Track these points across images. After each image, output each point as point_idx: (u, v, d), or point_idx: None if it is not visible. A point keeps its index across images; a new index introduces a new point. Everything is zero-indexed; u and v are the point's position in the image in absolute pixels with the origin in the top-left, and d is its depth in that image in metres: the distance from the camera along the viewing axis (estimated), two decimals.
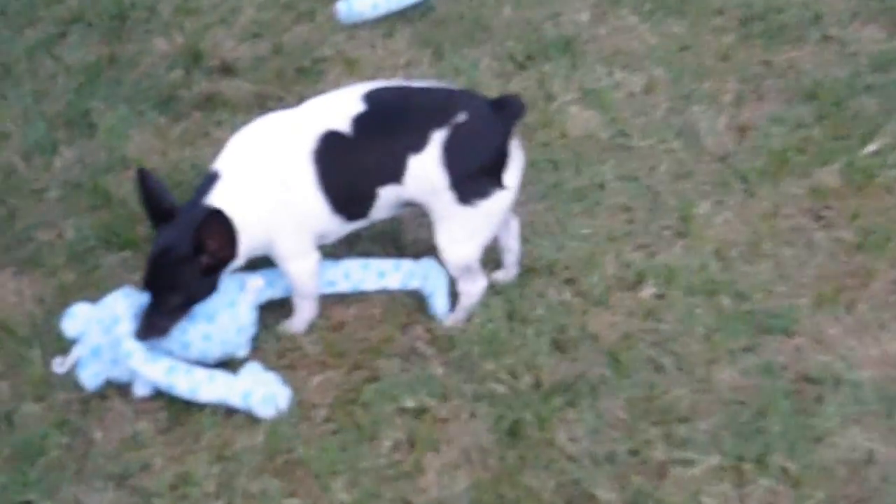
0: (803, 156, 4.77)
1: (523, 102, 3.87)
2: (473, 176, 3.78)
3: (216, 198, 3.69)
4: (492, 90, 5.08)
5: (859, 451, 3.72)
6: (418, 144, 3.73)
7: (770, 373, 3.96)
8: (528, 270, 4.32)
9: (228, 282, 3.91)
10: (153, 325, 3.75)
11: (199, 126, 5.04)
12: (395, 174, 3.79)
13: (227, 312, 3.89)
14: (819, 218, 4.56)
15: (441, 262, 4.10)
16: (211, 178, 3.77)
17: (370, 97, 3.81)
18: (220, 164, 3.82)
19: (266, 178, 3.78)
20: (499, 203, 3.84)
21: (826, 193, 4.62)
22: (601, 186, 4.71)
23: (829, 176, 4.69)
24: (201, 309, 3.84)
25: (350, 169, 3.80)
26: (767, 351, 4.05)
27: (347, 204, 3.89)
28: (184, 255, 3.66)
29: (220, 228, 3.62)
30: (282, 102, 5.12)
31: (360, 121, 3.76)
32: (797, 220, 4.53)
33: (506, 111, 3.81)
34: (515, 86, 5.18)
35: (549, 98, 5.12)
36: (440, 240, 3.92)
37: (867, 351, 4.04)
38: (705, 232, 4.50)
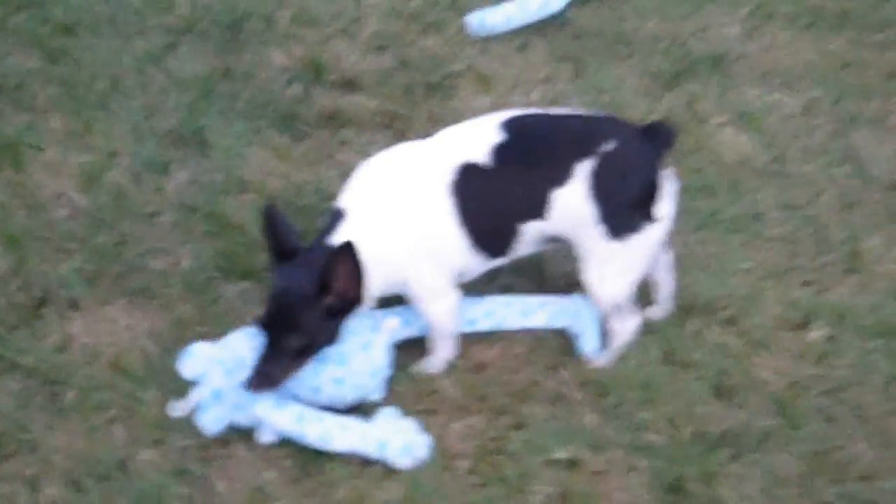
0: None
1: (675, 129, 3.73)
2: (624, 209, 3.64)
3: (343, 237, 3.53)
4: (638, 111, 4.94)
5: None
6: (562, 176, 3.60)
7: None
8: (684, 308, 4.14)
9: (362, 322, 3.76)
10: (266, 375, 3.57)
11: (322, 146, 4.92)
12: (537, 209, 3.66)
13: (362, 355, 3.75)
14: None
15: (589, 299, 3.93)
16: (336, 216, 3.65)
17: (510, 126, 3.69)
18: (346, 199, 3.69)
19: (400, 213, 3.66)
20: (651, 237, 3.71)
21: None
22: (760, 217, 4.53)
23: None
24: (333, 352, 3.69)
25: (490, 204, 3.67)
26: None
27: (488, 240, 3.74)
28: (308, 295, 3.52)
29: (348, 266, 3.47)
30: (410, 122, 4.98)
31: (499, 152, 3.63)
32: None
33: (656, 139, 3.67)
34: (663, 106, 5.02)
35: (700, 120, 4.94)
36: (588, 277, 3.78)
37: None
38: (877, 268, 4.31)
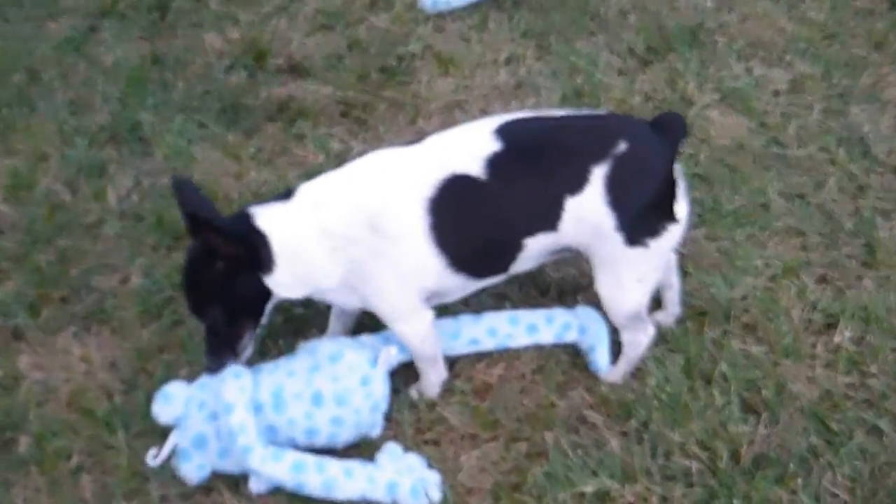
0: None
1: (683, 120, 3.48)
2: (643, 213, 3.36)
3: (268, 214, 3.34)
4: (617, 91, 4.69)
5: None
6: (576, 184, 3.32)
7: None
8: (698, 314, 3.89)
9: (359, 355, 3.53)
10: (220, 352, 3.42)
11: (276, 141, 4.56)
12: (548, 221, 3.37)
13: (361, 391, 3.50)
14: None
15: (598, 311, 3.72)
16: (281, 195, 3.42)
17: (506, 132, 3.38)
18: (306, 185, 3.42)
19: (353, 219, 3.33)
20: (671, 239, 3.46)
21: None
22: (765, 207, 4.27)
23: None
24: (329, 390, 3.44)
25: (485, 219, 3.39)
26: None
27: (477, 260, 3.46)
28: (202, 264, 3.32)
29: (213, 230, 3.23)
30: (369, 109, 4.61)
31: (496, 162, 3.33)
32: None
33: (667, 132, 3.40)
34: (643, 86, 4.74)
35: (686, 101, 4.67)
36: (605, 288, 3.51)
37: None
38: (895, 260, 4.03)
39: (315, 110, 4.71)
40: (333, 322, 3.87)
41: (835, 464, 3.50)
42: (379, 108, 4.70)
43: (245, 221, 3.31)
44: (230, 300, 3.37)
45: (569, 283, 3.96)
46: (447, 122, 4.65)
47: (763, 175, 4.39)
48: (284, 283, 3.35)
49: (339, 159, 4.48)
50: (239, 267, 3.32)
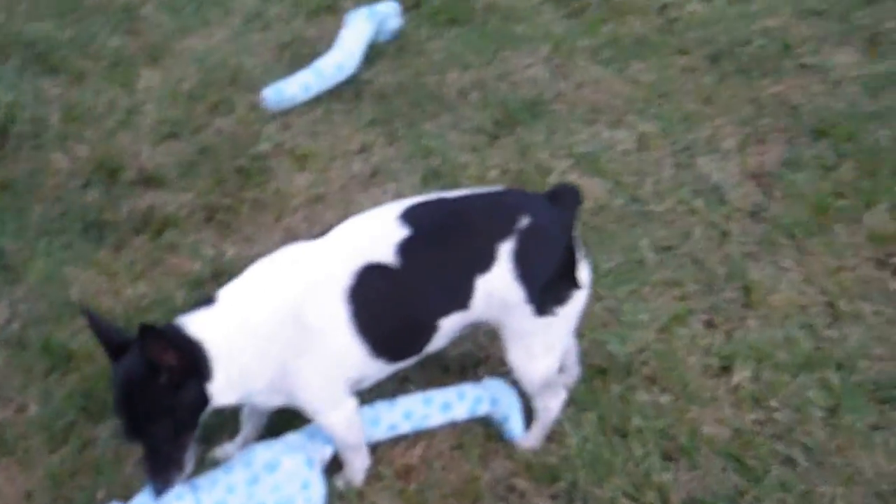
0: (844, 200, 4.62)
1: (578, 189, 3.60)
2: (549, 282, 3.46)
3: (198, 322, 3.26)
4: (474, 169, 4.83)
5: None
6: (485, 262, 3.39)
7: None
8: (599, 372, 4.00)
9: (294, 460, 3.52)
10: (166, 469, 3.28)
11: (146, 253, 4.50)
12: (460, 300, 3.43)
13: (302, 496, 3.50)
14: (887, 265, 4.43)
15: (505, 381, 3.83)
16: (203, 302, 3.35)
17: (412, 217, 3.43)
18: (224, 290, 3.37)
19: (278, 317, 3.31)
20: (577, 305, 3.56)
21: (885, 238, 4.47)
22: (640, 263, 4.43)
23: (880, 218, 4.53)
24: (271, 502, 3.44)
25: (402, 305, 3.41)
26: None
27: (395, 345, 3.49)
28: (143, 380, 3.19)
29: (160, 342, 3.14)
30: (233, 212, 4.61)
31: (406, 247, 3.37)
32: (865, 272, 4.38)
33: (564, 203, 3.53)
34: (497, 158, 4.87)
35: (542, 170, 4.79)
36: (516, 358, 3.60)
37: None
38: (773, 298, 4.29)
39: (179, 218, 4.67)
40: (246, 425, 3.81)
41: (760, 497, 3.60)
42: (242, 209, 4.69)
43: (178, 332, 3.23)
44: (176, 413, 3.27)
45: (469, 358, 4.01)
46: (312, 217, 4.68)
47: (630, 232, 4.55)
48: (222, 388, 3.29)
49: (215, 263, 4.45)
50: (184, 377, 3.24)
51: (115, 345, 3.25)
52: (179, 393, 3.22)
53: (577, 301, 3.53)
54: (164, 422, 3.23)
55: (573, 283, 3.49)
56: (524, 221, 3.38)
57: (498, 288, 3.39)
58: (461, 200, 3.52)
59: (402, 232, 3.37)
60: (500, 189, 3.70)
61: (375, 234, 3.41)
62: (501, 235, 3.37)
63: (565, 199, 3.53)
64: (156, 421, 3.22)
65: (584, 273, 3.54)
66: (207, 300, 3.35)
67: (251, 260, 3.44)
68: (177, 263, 4.40)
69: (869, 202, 4.63)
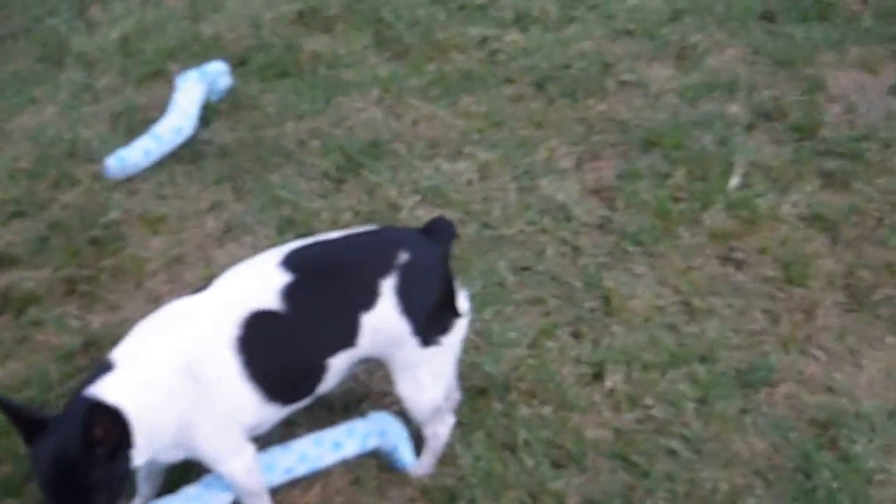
0: (682, 204, 4.87)
1: (451, 222, 3.77)
2: (432, 313, 3.59)
3: (108, 389, 3.26)
4: (325, 214, 4.93)
5: None
6: (369, 299, 3.50)
7: (782, 427, 3.99)
8: (479, 393, 4.15)
9: None
10: None
11: (12, 332, 4.47)
12: (347, 339, 3.54)
13: None
14: (730, 260, 4.67)
15: (390, 412, 3.96)
16: (102, 368, 3.34)
17: (293, 262, 3.52)
18: (117, 352, 3.38)
19: (174, 372, 3.37)
20: (460, 332, 3.71)
21: (725, 234, 4.72)
22: (501, 285, 4.59)
23: (717, 217, 4.79)
24: None
25: (287, 349, 3.50)
26: (764, 406, 4.08)
27: (287, 388, 3.58)
28: (80, 454, 3.17)
29: (107, 417, 3.18)
30: (94, 282, 4.63)
31: (290, 292, 3.46)
32: (712, 269, 4.63)
33: (439, 236, 3.68)
34: (347, 201, 4.99)
35: (393, 207, 4.93)
36: (405, 389, 3.71)
37: (854, 380, 4.17)
38: (632, 304, 4.50)
39: (40, 294, 4.65)
40: (142, 485, 3.82)
41: (651, 489, 3.79)
42: (101, 278, 4.70)
43: (91, 402, 3.21)
44: (111, 483, 3.27)
45: (352, 395, 4.10)
46: (172, 278, 4.72)
47: (487, 257, 4.70)
48: (140, 451, 3.32)
49: (83, 334, 4.45)
50: (117, 446, 3.25)
51: (31, 424, 3.21)
52: (113, 462, 3.23)
53: (460, 328, 3.68)
54: (100, 496, 3.22)
55: (454, 312, 3.63)
56: (403, 257, 3.50)
57: (384, 323, 3.50)
58: (339, 241, 3.63)
59: (284, 277, 3.45)
60: (376, 228, 3.81)
61: (258, 282, 3.49)
62: (382, 272, 3.49)
63: (440, 232, 3.68)
64: (93, 496, 3.21)
65: (463, 301, 3.67)
66: (105, 366, 3.35)
67: (119, 327, 3.49)
68: (44, 339, 4.38)
69: (705, 203, 4.89)
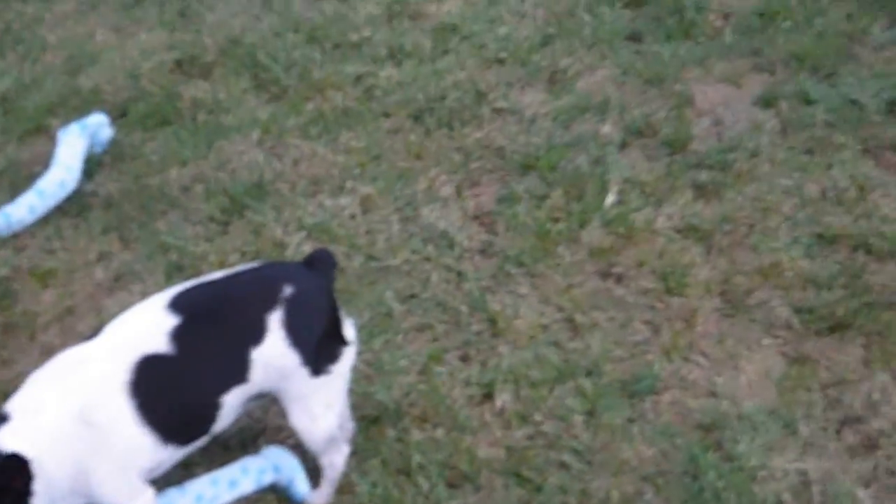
0: (560, 224, 4.99)
1: (331, 253, 3.89)
2: (320, 343, 3.66)
3: (5, 439, 3.30)
4: (212, 256, 5.00)
5: (792, 475, 3.94)
6: (257, 335, 3.56)
7: (668, 433, 4.11)
8: (373, 421, 4.23)
9: None
10: None
11: None
12: (238, 375, 3.59)
13: None
14: (610, 275, 4.79)
15: (283, 447, 4.04)
16: None
17: (179, 304, 3.57)
18: (11, 404, 3.41)
19: (68, 419, 3.41)
20: (348, 360, 3.79)
21: (603, 251, 4.85)
22: (388, 314, 4.67)
23: (595, 235, 4.92)
24: None
25: (180, 390, 3.55)
26: (650, 414, 4.19)
27: (182, 429, 3.62)
28: None
29: (21, 466, 3.24)
30: None
31: (179, 334, 3.51)
32: (592, 284, 4.74)
33: (321, 268, 3.77)
34: (233, 243, 5.05)
35: (279, 245, 4.99)
36: (299, 420, 3.78)
37: (735, 383, 4.32)
38: (517, 324, 4.60)
39: None
40: None
41: (545, 502, 3.88)
42: (2, 338, 4.69)
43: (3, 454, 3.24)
44: None
45: (247, 432, 4.15)
46: (65, 330, 4.73)
47: (373, 289, 4.77)
48: (38, 497, 3.33)
49: None
50: (25, 497, 3.29)
51: None
52: None
53: (348, 357, 3.76)
54: None
55: (341, 341, 3.70)
56: (288, 290, 3.57)
57: (273, 356, 3.56)
58: (224, 280, 3.69)
59: (172, 319, 3.50)
60: (258, 264, 3.87)
61: (146, 325, 3.53)
62: (269, 307, 3.55)
63: (322, 263, 3.77)
64: None
65: (349, 330, 3.75)
66: (1, 417, 3.36)
67: (13, 381, 3.50)
68: None
69: (582, 222, 5.01)
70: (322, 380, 3.67)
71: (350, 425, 4.16)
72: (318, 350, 3.64)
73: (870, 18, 6.20)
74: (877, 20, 6.21)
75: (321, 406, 3.75)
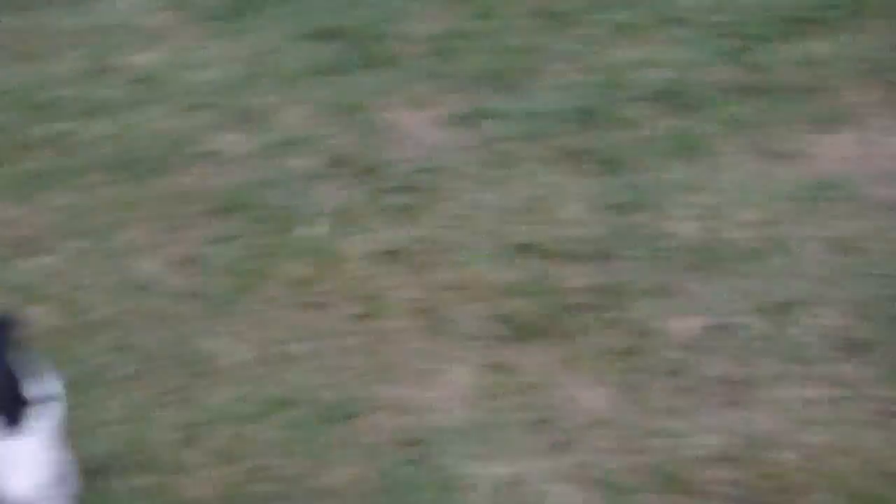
0: (262, 260, 5.10)
1: (10, 314, 3.78)
2: (5, 405, 3.59)
3: None
4: None
5: (494, 480, 4.12)
6: None
7: (373, 454, 4.24)
8: (95, 473, 4.19)
9: None
10: None
11: None
12: None
13: None
14: (311, 305, 4.97)
15: None
16: None
17: None
18: None
19: None
20: (48, 418, 3.69)
21: (304, 282, 5.02)
22: (97, 368, 4.71)
23: (296, 267, 5.07)
24: None
25: None
26: (355, 437, 4.33)
27: None
28: None
29: None
30: None
31: None
32: (296, 316, 4.91)
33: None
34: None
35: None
36: (8, 487, 3.73)
37: (437, 396, 4.51)
38: (222, 363, 4.70)
39: None
40: None
41: None
42: None
43: None
44: None
45: None
46: None
47: (81, 343, 4.82)
48: None
49: None
50: None
51: None
52: None
53: (48, 415, 3.70)
54: None
55: (23, 402, 3.66)
56: None
57: None
58: None
59: None
60: None
61: None
62: None
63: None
64: None
65: (51, 387, 3.69)
66: None
67: None
68: None
69: (285, 255, 5.17)
70: (18, 441, 3.63)
71: (74, 482, 4.12)
72: (5, 411, 3.59)
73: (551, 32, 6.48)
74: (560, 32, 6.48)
75: (27, 466, 3.63)
